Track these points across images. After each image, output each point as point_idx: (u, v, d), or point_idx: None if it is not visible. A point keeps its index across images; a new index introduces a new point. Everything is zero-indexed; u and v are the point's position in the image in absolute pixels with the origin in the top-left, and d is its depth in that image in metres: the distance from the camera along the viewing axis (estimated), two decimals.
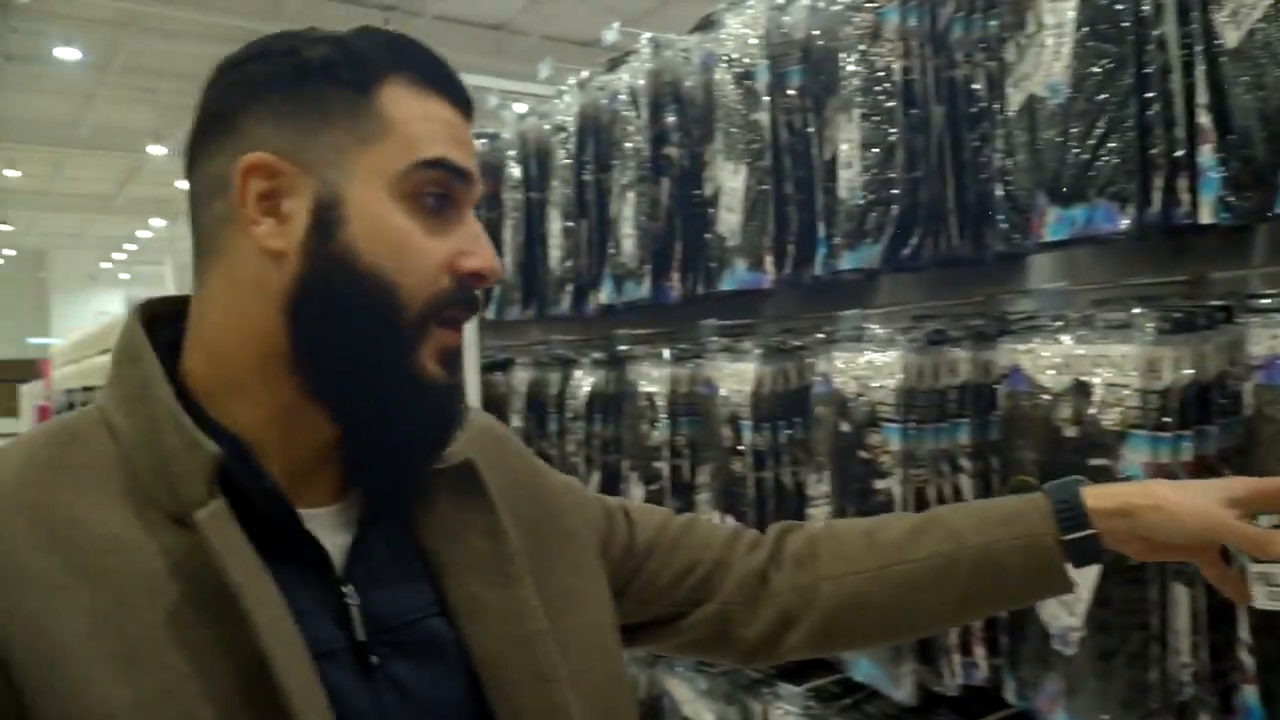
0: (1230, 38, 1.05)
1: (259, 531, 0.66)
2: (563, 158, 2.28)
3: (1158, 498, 0.85)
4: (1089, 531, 0.86)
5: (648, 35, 2.03)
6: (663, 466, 1.91)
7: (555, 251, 2.33)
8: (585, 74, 2.27)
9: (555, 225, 2.32)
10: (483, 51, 8.77)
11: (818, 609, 0.92)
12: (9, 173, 12.63)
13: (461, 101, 0.74)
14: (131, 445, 0.67)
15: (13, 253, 18.65)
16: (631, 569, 0.92)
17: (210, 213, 0.71)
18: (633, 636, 0.92)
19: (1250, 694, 1.01)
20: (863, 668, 1.44)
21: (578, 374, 2.25)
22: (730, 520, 1.71)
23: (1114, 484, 0.93)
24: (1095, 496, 0.87)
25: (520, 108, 2.66)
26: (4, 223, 15.47)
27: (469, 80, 2.32)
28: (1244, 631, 1.01)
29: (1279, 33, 0.99)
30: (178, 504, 0.65)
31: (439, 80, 0.73)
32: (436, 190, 0.70)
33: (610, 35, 2.21)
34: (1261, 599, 0.87)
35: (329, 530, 0.72)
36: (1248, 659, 1.01)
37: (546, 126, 2.41)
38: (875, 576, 0.91)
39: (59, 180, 14.09)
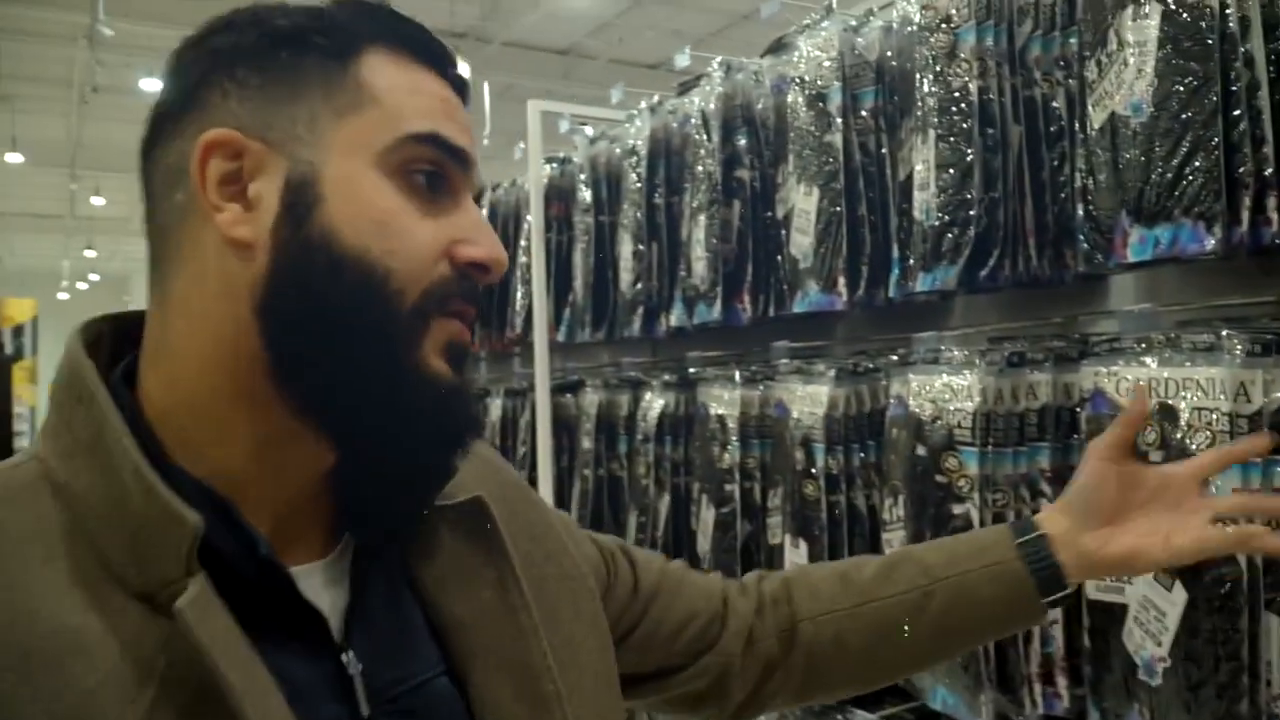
0: None
1: (242, 598, 0.56)
2: (634, 181, 2.30)
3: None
4: (1052, 560, 0.87)
5: (719, 59, 2.04)
6: (733, 489, 1.91)
7: (626, 274, 2.34)
8: (656, 98, 2.30)
9: (626, 248, 2.34)
10: (550, 76, 8.89)
11: (798, 651, 0.91)
12: (95, 200, 13.10)
13: (455, 78, 0.65)
14: (85, 510, 0.55)
15: (97, 278, 19.31)
16: (637, 615, 0.87)
17: (169, 206, 0.60)
18: (628, 689, 0.84)
19: None
20: (940, 695, 1.42)
21: (648, 396, 2.26)
22: (803, 545, 1.70)
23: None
24: (1049, 521, 0.90)
25: (587, 130, 2.70)
26: (90, 248, 16.03)
27: (541, 106, 2.36)
28: None
29: None
30: (147, 582, 0.53)
31: (429, 52, 0.64)
32: (428, 168, 0.61)
33: (681, 59, 2.24)
34: None
35: (322, 588, 0.62)
36: None
37: (617, 150, 2.43)
38: (851, 614, 0.90)
39: (142, 207, 14.58)
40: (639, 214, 2.27)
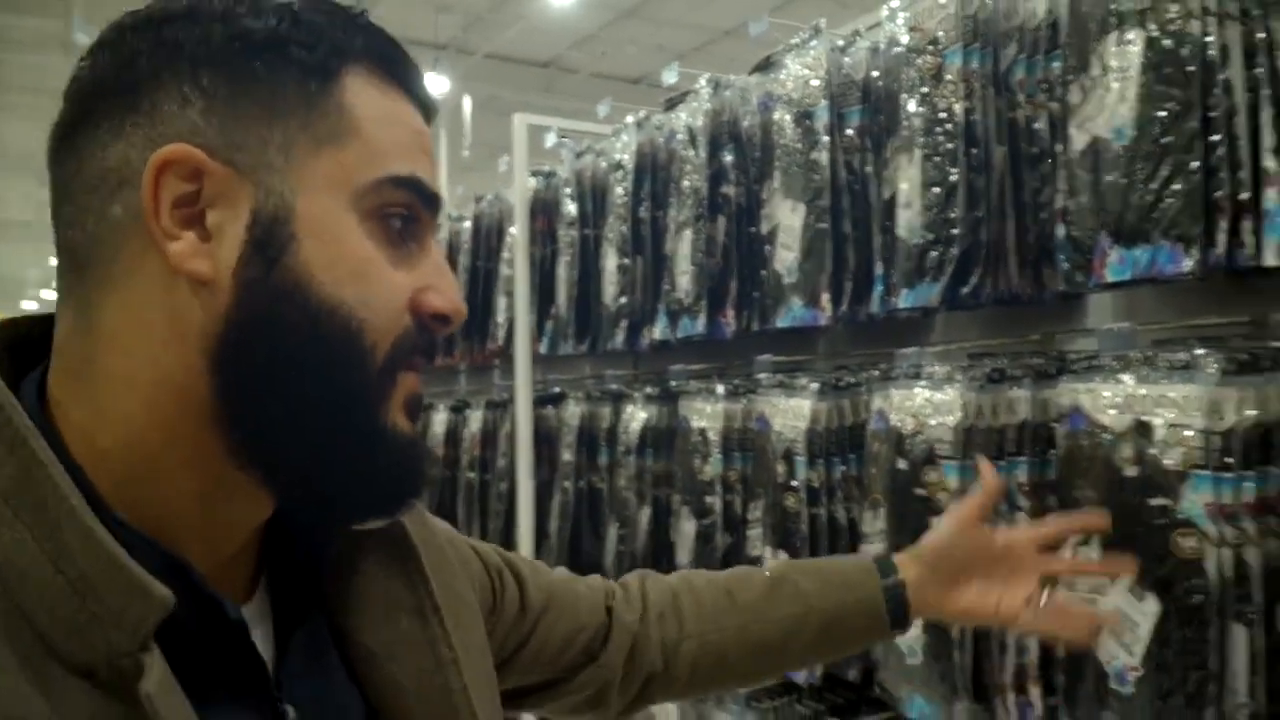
0: None
1: (184, 656, 0.51)
2: (619, 195, 2.32)
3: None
4: (905, 603, 0.96)
5: (707, 76, 2.07)
6: (714, 502, 1.93)
7: (610, 288, 2.36)
8: (644, 113, 2.32)
9: (610, 262, 2.36)
10: (532, 88, 8.91)
11: (681, 665, 0.94)
12: None
13: (426, 104, 0.61)
14: (12, 570, 0.47)
15: None
16: (524, 633, 0.85)
17: (103, 218, 0.52)
18: (511, 700, 0.84)
19: None
20: (917, 705, 1.44)
21: (630, 409, 2.28)
22: (784, 557, 1.71)
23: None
24: (904, 567, 0.98)
25: (553, 140, 2.72)
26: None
27: (528, 119, 2.39)
28: None
29: None
30: (91, 656, 0.47)
31: (405, 75, 0.59)
32: (403, 213, 0.57)
33: (669, 75, 2.26)
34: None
35: (257, 633, 0.58)
36: None
37: (603, 164, 2.46)
38: (736, 637, 0.95)
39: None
40: (624, 228, 2.29)
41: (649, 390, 2.24)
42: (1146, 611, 1.12)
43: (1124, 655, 1.15)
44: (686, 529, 2.01)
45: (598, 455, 2.41)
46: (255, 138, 0.53)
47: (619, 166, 2.33)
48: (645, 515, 2.17)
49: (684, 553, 2.00)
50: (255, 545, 0.61)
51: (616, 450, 2.30)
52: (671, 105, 2.21)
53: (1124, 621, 1.14)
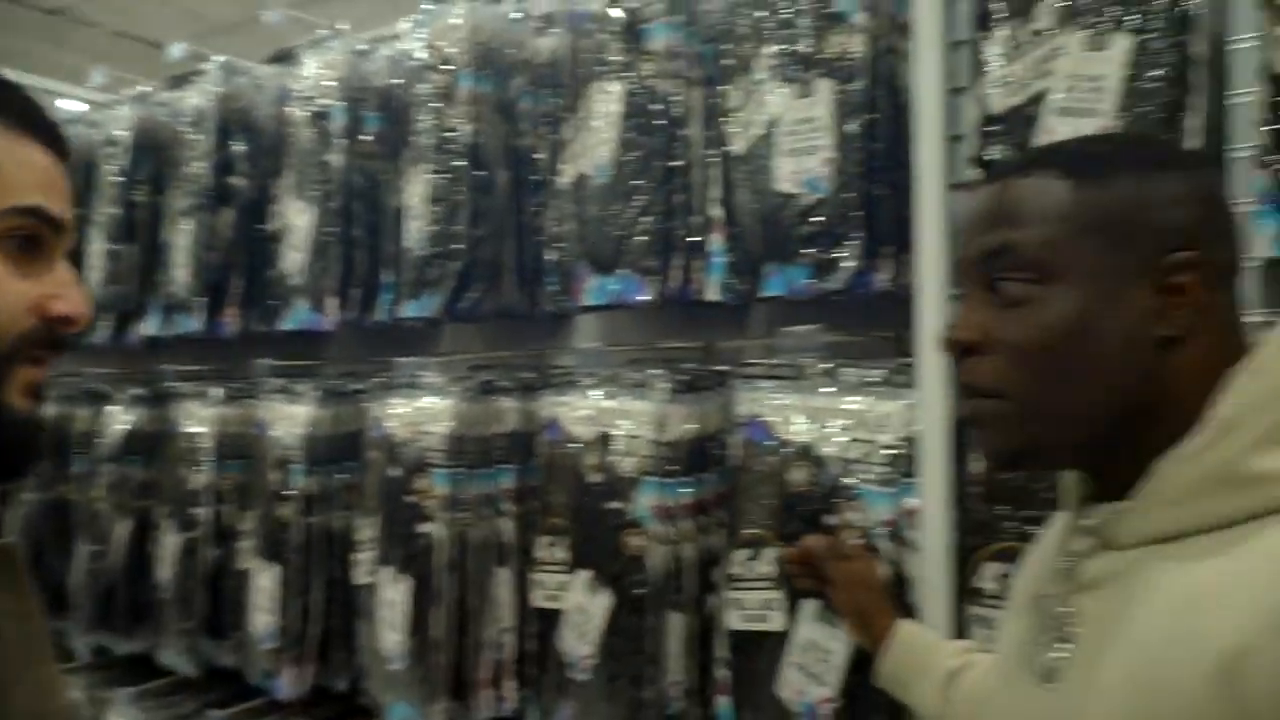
0: (738, 145, 1.24)
1: None
2: (112, 174, 2.10)
3: None
4: None
5: (220, 58, 1.95)
6: (204, 512, 1.81)
7: (95, 275, 2.13)
8: (148, 87, 2.13)
9: (97, 246, 2.13)
10: (40, 38, 7.74)
11: None
12: None
13: (57, 145, 0.73)
14: None
15: None
16: None
17: None
18: None
19: (725, 703, 1.17)
20: (400, 710, 1.46)
21: (113, 411, 2.07)
22: (275, 569, 1.65)
23: None
24: None
25: (66, 104, 2.43)
26: None
27: (9, 75, 2.08)
28: (722, 651, 1.17)
29: (769, 149, 1.20)
30: None
31: (35, 124, 0.71)
32: (23, 234, 0.68)
33: (176, 51, 2.09)
34: (736, 621, 1.02)
35: None
36: (724, 674, 1.17)
37: (96, 138, 2.21)
38: None
39: None
40: (115, 210, 2.08)
41: (136, 391, 2.05)
42: (600, 605, 1.23)
43: (581, 645, 1.26)
44: (171, 543, 1.86)
45: (71, 463, 2.15)
46: None
47: (113, 142, 2.11)
48: (124, 529, 1.98)
49: (166, 568, 1.85)
50: None
51: (94, 457, 2.07)
52: (178, 83, 2.05)
53: (581, 614, 1.24)
